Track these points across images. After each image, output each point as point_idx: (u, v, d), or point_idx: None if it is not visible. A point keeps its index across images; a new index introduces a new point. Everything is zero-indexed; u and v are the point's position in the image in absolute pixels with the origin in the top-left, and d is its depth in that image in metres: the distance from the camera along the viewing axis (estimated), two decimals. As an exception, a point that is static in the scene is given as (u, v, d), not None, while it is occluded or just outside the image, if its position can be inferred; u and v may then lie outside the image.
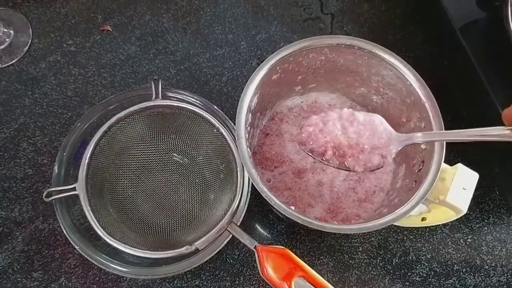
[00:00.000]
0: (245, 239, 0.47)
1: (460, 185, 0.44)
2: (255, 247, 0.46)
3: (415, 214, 0.52)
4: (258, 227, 0.59)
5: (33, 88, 0.63)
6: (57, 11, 0.68)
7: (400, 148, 0.43)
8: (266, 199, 0.43)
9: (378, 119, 0.44)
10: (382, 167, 0.44)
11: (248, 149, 0.46)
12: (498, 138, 0.39)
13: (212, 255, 0.49)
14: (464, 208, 0.44)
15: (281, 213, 0.44)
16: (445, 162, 0.46)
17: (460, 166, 0.45)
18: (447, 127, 0.61)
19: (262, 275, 0.45)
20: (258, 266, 0.45)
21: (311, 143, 0.45)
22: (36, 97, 0.62)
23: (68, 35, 0.66)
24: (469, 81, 0.58)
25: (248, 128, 0.49)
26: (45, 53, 0.65)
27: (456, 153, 0.61)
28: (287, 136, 0.56)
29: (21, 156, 0.59)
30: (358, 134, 0.43)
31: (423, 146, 0.48)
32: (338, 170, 0.54)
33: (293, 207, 0.44)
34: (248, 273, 0.56)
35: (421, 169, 0.47)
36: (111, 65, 0.65)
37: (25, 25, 0.66)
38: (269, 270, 0.45)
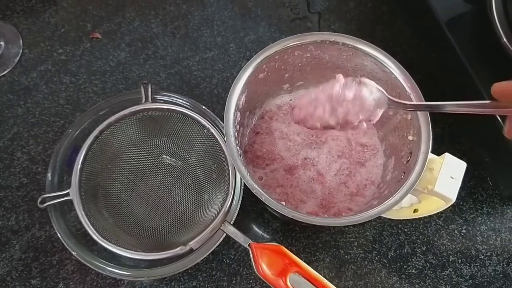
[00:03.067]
0: (239, 238, 0.48)
1: (448, 174, 0.45)
2: (249, 245, 0.47)
3: (407, 206, 0.52)
4: (254, 226, 0.59)
5: (25, 98, 0.63)
6: (47, 21, 0.68)
7: (384, 109, 0.44)
8: (256, 195, 0.43)
9: (367, 91, 0.43)
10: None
11: (238, 148, 0.46)
12: (480, 111, 0.39)
13: (206, 254, 0.49)
14: (452, 196, 0.45)
15: (274, 210, 0.44)
16: (435, 154, 0.47)
17: (447, 155, 0.45)
18: (436, 120, 0.62)
19: (257, 273, 0.45)
20: (253, 263, 0.46)
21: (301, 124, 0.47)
22: (29, 107, 0.63)
23: (58, 44, 0.67)
24: (456, 73, 0.59)
25: (238, 126, 0.50)
26: (36, 63, 0.66)
27: (447, 145, 0.62)
28: (278, 133, 0.57)
29: (15, 165, 0.60)
30: (346, 113, 0.44)
31: (410, 138, 0.48)
32: (329, 166, 0.55)
33: (284, 203, 0.44)
34: (244, 273, 0.57)
35: (409, 160, 0.47)
36: (102, 71, 0.66)
37: (16, 36, 0.67)
38: (264, 267, 0.45)
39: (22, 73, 0.65)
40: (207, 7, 0.71)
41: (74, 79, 0.65)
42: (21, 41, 0.67)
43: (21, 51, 0.66)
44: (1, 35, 0.66)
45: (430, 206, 0.50)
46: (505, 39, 0.51)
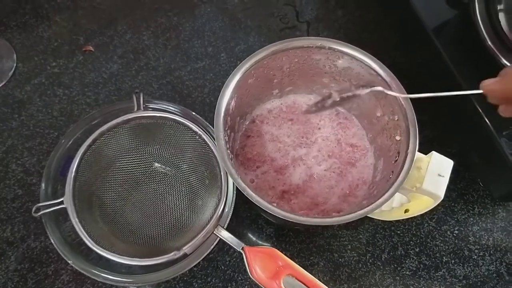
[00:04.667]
0: (232, 242, 0.48)
1: (435, 172, 0.45)
2: (242, 248, 0.47)
3: (397, 206, 0.53)
4: (248, 233, 0.60)
5: (20, 111, 0.64)
6: (40, 35, 0.69)
7: None
8: (247, 197, 0.44)
9: None
10: None
11: (228, 151, 0.47)
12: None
13: (201, 259, 0.50)
14: (441, 193, 0.45)
15: (266, 213, 0.45)
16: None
17: (434, 154, 0.46)
18: (426, 123, 0.63)
19: (251, 276, 0.46)
20: (247, 267, 0.46)
21: None
22: (23, 119, 0.64)
23: (51, 58, 0.68)
24: (443, 77, 0.60)
25: (228, 131, 0.50)
26: (29, 76, 0.67)
27: (436, 148, 0.62)
28: (268, 136, 0.58)
29: (10, 177, 0.60)
30: None
31: (397, 138, 0.49)
32: (319, 164, 0.56)
33: (275, 204, 0.45)
34: (240, 278, 0.57)
35: (397, 160, 0.48)
36: (95, 83, 0.67)
37: (9, 50, 0.68)
38: (258, 270, 0.46)
39: (16, 86, 0.66)
40: (198, 19, 0.72)
41: (68, 91, 0.66)
42: (15, 55, 0.68)
43: (15, 65, 0.67)
44: (-5, 50, 0.68)
45: (420, 205, 0.50)
46: (489, 42, 0.52)
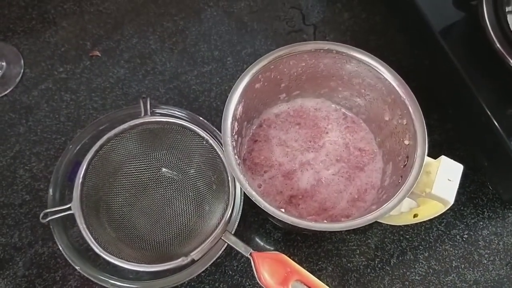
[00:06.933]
0: (240, 247, 0.48)
1: (445, 176, 0.45)
2: (250, 254, 0.47)
3: (406, 211, 0.52)
4: (256, 238, 0.59)
5: (27, 116, 0.64)
6: (47, 40, 0.70)
7: None
8: (255, 202, 0.44)
9: None
10: None
11: (236, 156, 0.47)
12: None
13: (208, 264, 0.50)
14: (450, 199, 0.45)
15: (274, 218, 0.45)
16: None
17: (443, 158, 0.46)
18: (434, 126, 0.63)
19: (259, 281, 0.46)
20: (255, 272, 0.46)
21: None
22: (30, 125, 0.64)
23: (58, 63, 0.68)
24: (451, 80, 0.60)
25: (236, 136, 0.50)
26: (37, 82, 0.67)
27: (445, 152, 0.62)
28: (275, 141, 0.58)
29: (18, 182, 0.60)
30: None
31: (406, 142, 0.49)
32: (327, 168, 0.56)
33: (283, 210, 0.45)
34: (248, 283, 0.57)
35: (406, 164, 0.48)
36: (102, 88, 0.67)
37: (17, 56, 0.68)
38: (266, 276, 0.46)
39: (24, 92, 0.66)
40: (204, 23, 0.72)
41: (75, 96, 0.66)
42: (22, 61, 0.68)
43: (22, 70, 0.67)
44: (2, 56, 0.68)
45: (430, 210, 0.50)
46: (498, 45, 0.52)
